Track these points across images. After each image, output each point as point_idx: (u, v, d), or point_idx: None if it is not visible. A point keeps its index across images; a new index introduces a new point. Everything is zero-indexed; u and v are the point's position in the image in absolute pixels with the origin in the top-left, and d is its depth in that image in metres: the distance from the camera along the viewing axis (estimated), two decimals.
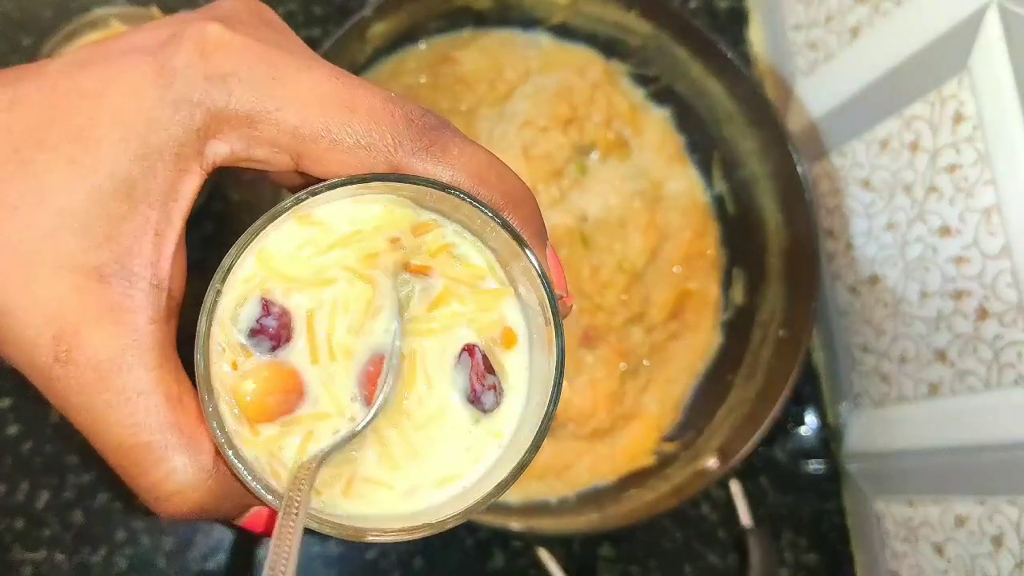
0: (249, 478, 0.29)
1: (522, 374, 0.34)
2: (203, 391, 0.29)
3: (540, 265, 0.31)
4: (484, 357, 0.33)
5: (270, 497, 0.30)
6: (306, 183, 0.31)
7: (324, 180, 0.31)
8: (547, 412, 0.31)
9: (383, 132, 0.30)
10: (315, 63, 0.31)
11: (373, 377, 0.32)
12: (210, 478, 0.30)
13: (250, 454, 0.31)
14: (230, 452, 0.29)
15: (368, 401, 0.32)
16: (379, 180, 0.30)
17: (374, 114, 0.30)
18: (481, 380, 0.32)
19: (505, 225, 0.31)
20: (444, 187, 0.30)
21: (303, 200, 0.30)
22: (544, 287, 0.31)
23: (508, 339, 0.34)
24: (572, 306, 0.35)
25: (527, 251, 0.31)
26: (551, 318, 0.31)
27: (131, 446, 0.29)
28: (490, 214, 0.31)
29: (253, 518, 0.33)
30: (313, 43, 0.75)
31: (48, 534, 0.66)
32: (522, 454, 0.31)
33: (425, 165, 0.30)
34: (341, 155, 0.30)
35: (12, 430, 0.67)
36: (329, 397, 0.31)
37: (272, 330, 0.31)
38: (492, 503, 0.31)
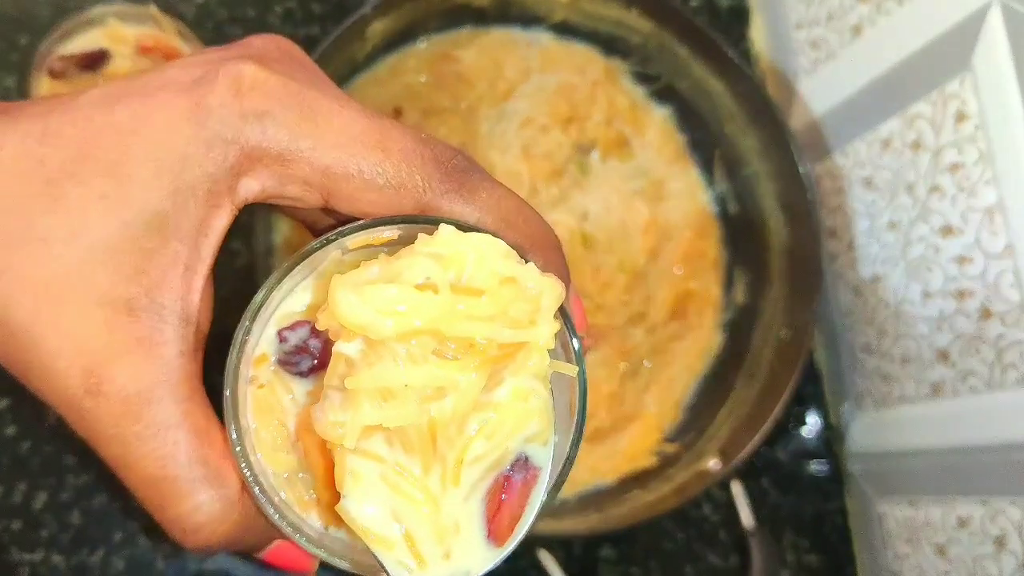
0: (274, 514, 0.29)
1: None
2: (231, 428, 0.29)
3: (566, 312, 0.31)
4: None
5: (297, 535, 0.30)
6: (335, 223, 0.31)
7: (351, 219, 0.31)
8: (568, 456, 0.30)
9: (413, 173, 0.30)
10: (347, 103, 0.31)
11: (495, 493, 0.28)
12: (236, 511, 0.30)
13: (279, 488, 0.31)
14: (256, 489, 0.29)
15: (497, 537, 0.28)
16: (406, 222, 0.30)
17: (405, 155, 0.30)
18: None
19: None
20: (470, 229, 0.30)
21: (333, 240, 0.30)
22: (569, 331, 0.31)
23: None
24: (591, 347, 0.34)
25: None
26: (575, 362, 0.31)
27: (160, 479, 0.29)
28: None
29: (276, 551, 0.33)
30: (312, 41, 0.75)
31: (46, 535, 0.65)
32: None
33: (453, 206, 0.31)
34: (371, 194, 0.30)
35: (10, 431, 0.66)
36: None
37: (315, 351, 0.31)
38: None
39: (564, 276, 0.33)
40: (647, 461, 0.71)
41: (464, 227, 0.30)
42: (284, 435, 0.31)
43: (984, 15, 0.57)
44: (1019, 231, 0.57)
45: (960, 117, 0.60)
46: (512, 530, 0.28)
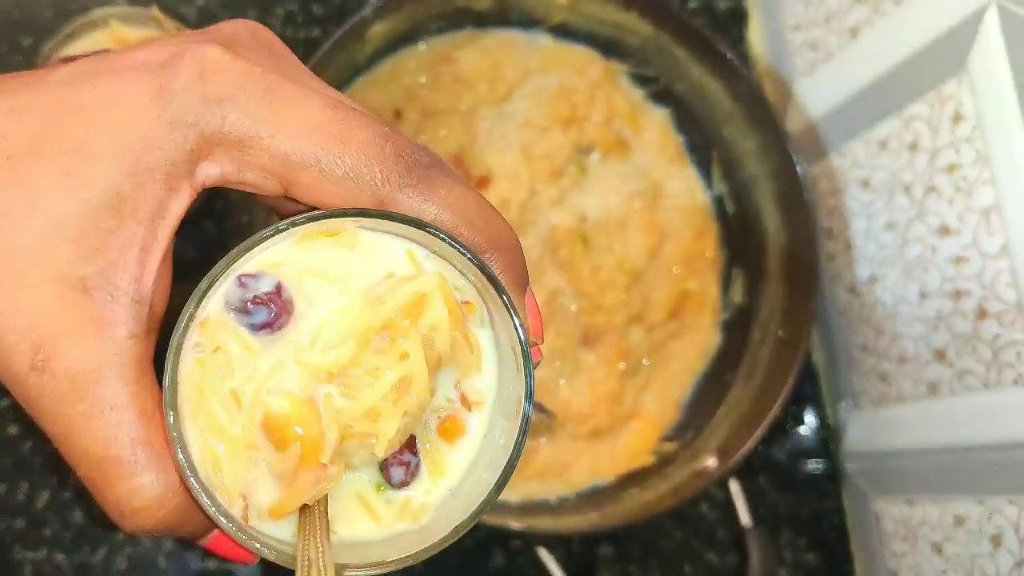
0: (207, 502, 0.29)
1: (483, 422, 0.34)
2: (168, 414, 0.29)
3: (516, 314, 0.31)
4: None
5: (229, 525, 0.30)
6: (298, 210, 0.31)
7: (312, 208, 0.31)
8: (511, 457, 0.31)
9: (372, 166, 0.30)
10: (313, 91, 0.31)
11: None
12: (176, 496, 0.30)
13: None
14: (192, 478, 0.29)
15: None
16: (360, 215, 0.30)
17: (365, 147, 0.30)
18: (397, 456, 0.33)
19: (483, 268, 0.31)
20: (423, 225, 0.30)
21: (283, 230, 0.30)
22: (518, 335, 0.31)
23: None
24: (541, 360, 0.34)
25: (504, 297, 0.31)
26: (522, 366, 0.31)
27: (101, 459, 0.29)
28: (468, 255, 0.30)
29: (216, 540, 0.33)
30: (313, 43, 0.75)
31: (48, 534, 0.66)
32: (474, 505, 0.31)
33: (410, 201, 0.30)
34: (329, 185, 0.30)
35: (12, 430, 0.67)
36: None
37: (275, 306, 0.31)
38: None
39: (523, 278, 0.33)
40: (646, 460, 0.72)
41: (417, 223, 0.30)
42: (226, 418, 0.31)
43: (981, 17, 0.57)
44: (1016, 231, 0.57)
45: (957, 118, 0.60)
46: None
